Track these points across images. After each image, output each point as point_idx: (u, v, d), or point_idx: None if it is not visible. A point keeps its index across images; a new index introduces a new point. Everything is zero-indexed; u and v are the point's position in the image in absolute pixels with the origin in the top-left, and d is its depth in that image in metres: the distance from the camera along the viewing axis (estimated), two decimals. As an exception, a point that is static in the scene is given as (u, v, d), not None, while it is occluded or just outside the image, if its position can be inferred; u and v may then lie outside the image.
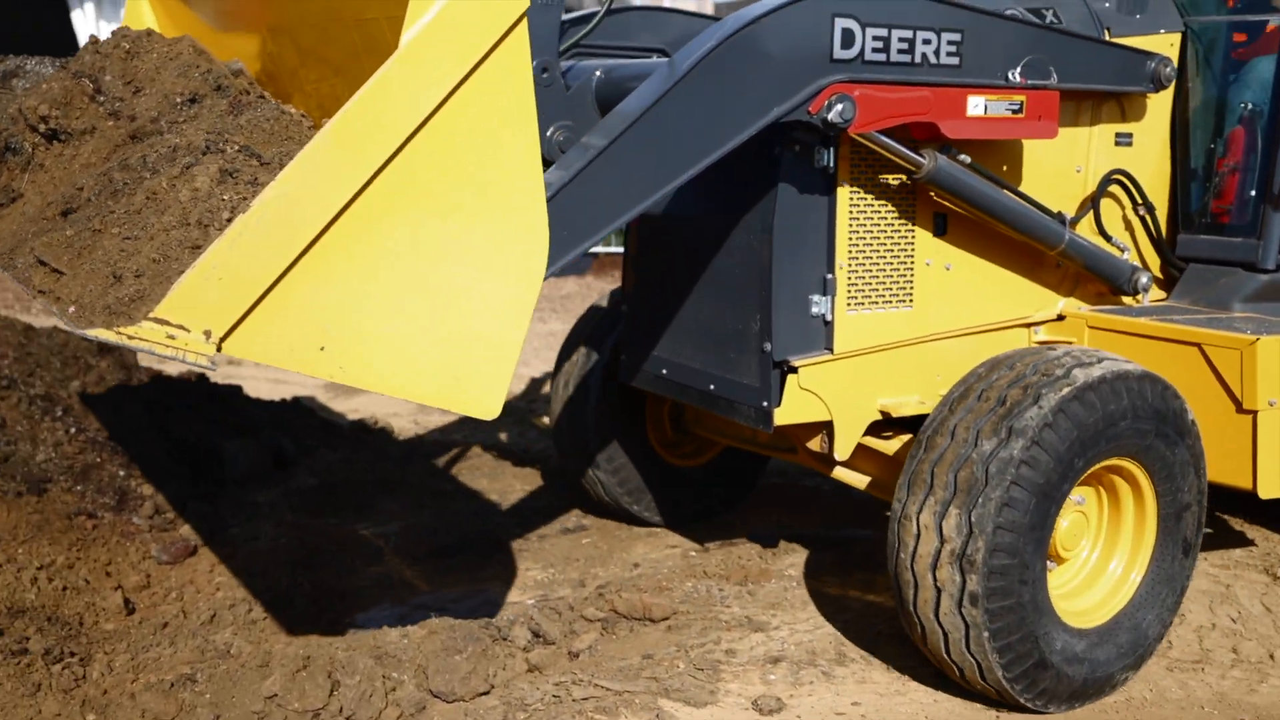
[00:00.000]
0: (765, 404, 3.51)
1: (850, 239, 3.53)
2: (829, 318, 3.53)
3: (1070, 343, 3.86)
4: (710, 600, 4.05)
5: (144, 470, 4.82)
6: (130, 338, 2.08)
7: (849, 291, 3.55)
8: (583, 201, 2.79)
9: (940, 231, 3.70)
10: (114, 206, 2.45)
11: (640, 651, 3.63)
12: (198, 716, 3.11)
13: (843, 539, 4.69)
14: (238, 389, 5.91)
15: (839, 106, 3.18)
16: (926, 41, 3.34)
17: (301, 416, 5.90)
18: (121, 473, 4.72)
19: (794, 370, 3.50)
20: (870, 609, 3.98)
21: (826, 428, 3.63)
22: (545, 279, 2.77)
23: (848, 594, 4.11)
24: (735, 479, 4.89)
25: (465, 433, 6.21)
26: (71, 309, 2.24)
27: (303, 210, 2.23)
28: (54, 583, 3.79)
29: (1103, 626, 3.35)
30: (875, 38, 3.24)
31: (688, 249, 3.80)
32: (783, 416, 3.51)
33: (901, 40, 3.30)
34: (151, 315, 2.08)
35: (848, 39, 3.19)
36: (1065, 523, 3.34)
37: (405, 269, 2.38)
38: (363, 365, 2.35)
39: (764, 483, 5.40)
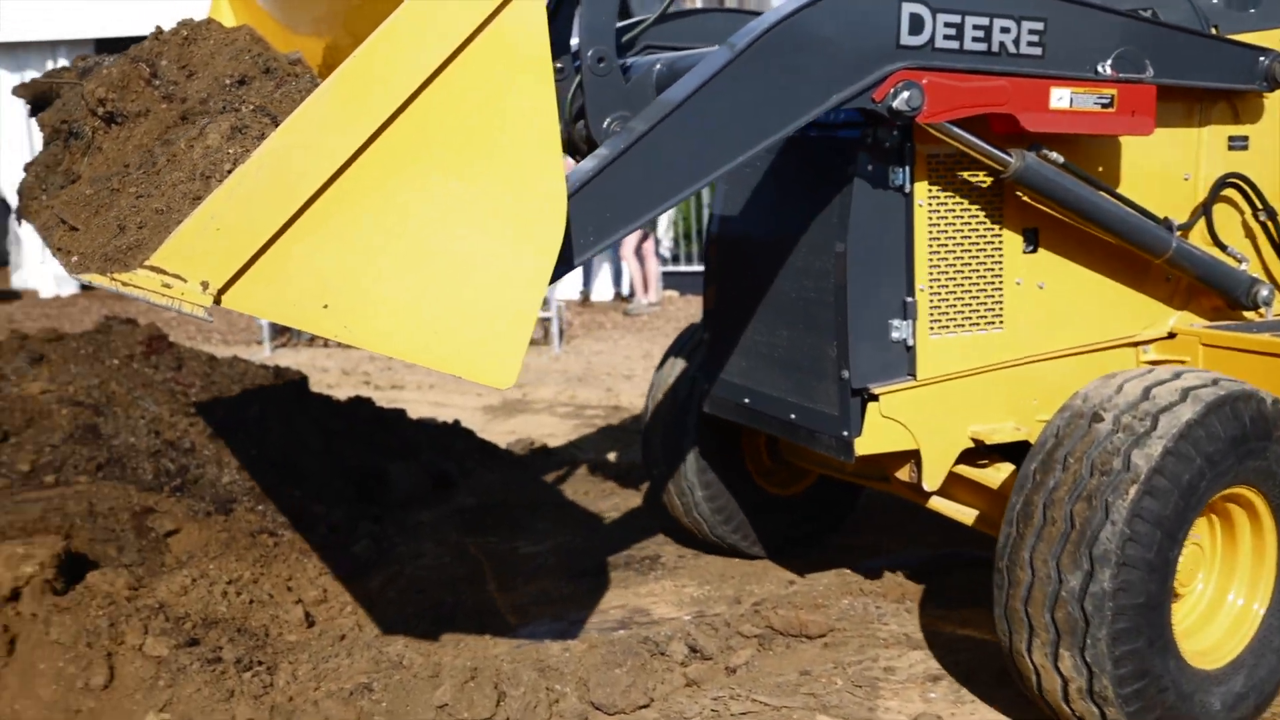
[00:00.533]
0: (845, 433, 3.43)
1: (931, 261, 3.41)
2: (910, 343, 3.40)
3: (1183, 362, 3.67)
4: (867, 618, 4.06)
5: (317, 491, 5.07)
6: (125, 284, 2.08)
7: (931, 315, 3.42)
8: (623, 184, 2.73)
9: (1031, 248, 3.54)
10: (139, 173, 2.47)
11: (797, 668, 3.67)
12: (375, 723, 3.29)
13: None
14: (401, 413, 6.16)
15: (906, 94, 3.06)
16: (1005, 30, 3.18)
17: (461, 439, 6.11)
18: (297, 493, 4.98)
19: (874, 398, 3.40)
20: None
21: (914, 457, 3.52)
22: (588, 259, 2.77)
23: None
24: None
25: (618, 452, 6.34)
26: (74, 259, 2.27)
27: (305, 161, 2.19)
28: (241, 596, 4.03)
29: (1254, 643, 3.19)
30: (947, 24, 3.10)
31: (764, 272, 3.74)
32: (864, 446, 3.42)
33: (977, 28, 3.15)
34: (147, 263, 2.06)
35: (916, 25, 3.07)
36: (1181, 556, 3.11)
37: (413, 228, 2.32)
38: (368, 326, 2.31)
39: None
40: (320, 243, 2.21)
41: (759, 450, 4.60)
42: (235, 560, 4.25)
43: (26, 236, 13.54)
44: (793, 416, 3.65)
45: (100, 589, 3.82)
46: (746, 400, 3.88)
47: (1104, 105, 3.37)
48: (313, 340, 10.33)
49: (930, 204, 3.38)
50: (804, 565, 4.60)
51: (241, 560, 4.27)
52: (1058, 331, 3.62)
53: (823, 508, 4.74)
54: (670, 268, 13.55)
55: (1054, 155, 3.38)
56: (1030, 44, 3.24)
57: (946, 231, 3.42)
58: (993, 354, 3.51)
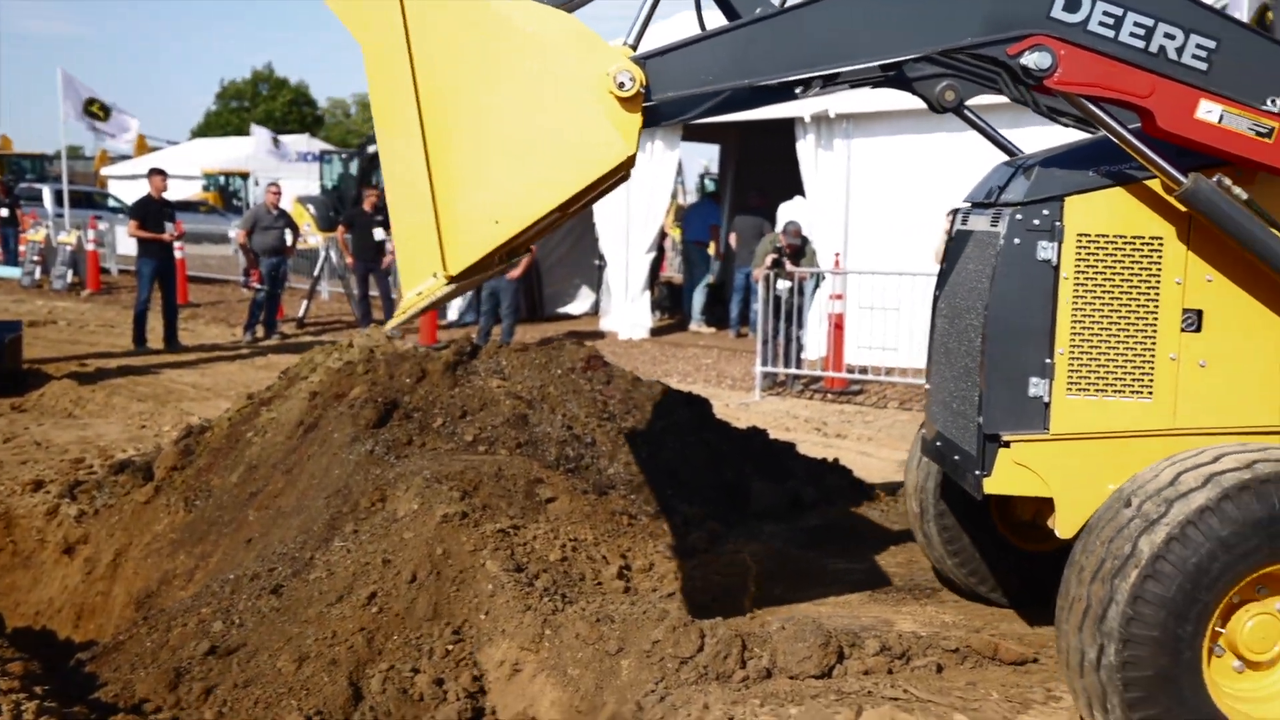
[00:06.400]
0: (978, 473, 3.78)
1: (1074, 329, 3.65)
2: (1046, 399, 3.68)
3: None
4: (1083, 663, 4.30)
5: (687, 495, 6.18)
6: (405, 314, 3.24)
7: (1070, 377, 3.67)
8: (745, 49, 3.32)
9: (1193, 327, 3.66)
10: None
11: (970, 680, 4.09)
12: (608, 644, 4.29)
13: None
14: (791, 446, 7.08)
15: (1037, 55, 3.34)
16: (1169, 36, 3.36)
17: (836, 474, 6.89)
18: (669, 492, 6.12)
19: (1006, 444, 3.71)
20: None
21: (1050, 504, 3.75)
22: (656, 102, 3.38)
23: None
24: None
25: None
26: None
27: (408, 172, 3.20)
28: (577, 551, 5.23)
29: None
30: (1107, 13, 3.33)
31: (948, 331, 4.18)
32: (992, 486, 3.75)
33: (1139, 25, 3.35)
34: (403, 294, 3.25)
35: (1072, 4, 3.33)
36: (1250, 624, 3.26)
37: (491, 144, 3.22)
38: (524, 208, 3.22)
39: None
40: (457, 196, 3.25)
41: (1009, 505, 4.89)
42: (588, 528, 5.47)
43: (615, 289, 16.24)
44: (956, 458, 4.12)
45: (484, 526, 5.23)
46: (939, 444, 4.37)
47: (1260, 134, 3.45)
48: (801, 392, 11.49)
49: (1076, 277, 3.69)
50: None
51: (594, 529, 5.49)
52: (1219, 410, 3.71)
53: None
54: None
55: (1237, 190, 3.48)
56: (1196, 57, 3.41)
57: (1093, 304, 3.70)
58: (1138, 421, 3.71)
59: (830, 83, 4.25)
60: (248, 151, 36.19)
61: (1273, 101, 3.45)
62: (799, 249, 11.83)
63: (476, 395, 6.40)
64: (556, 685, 4.30)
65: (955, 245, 4.35)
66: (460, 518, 5.16)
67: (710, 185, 26.13)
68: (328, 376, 6.75)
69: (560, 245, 18.87)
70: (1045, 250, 3.69)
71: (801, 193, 14.18)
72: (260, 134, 33.47)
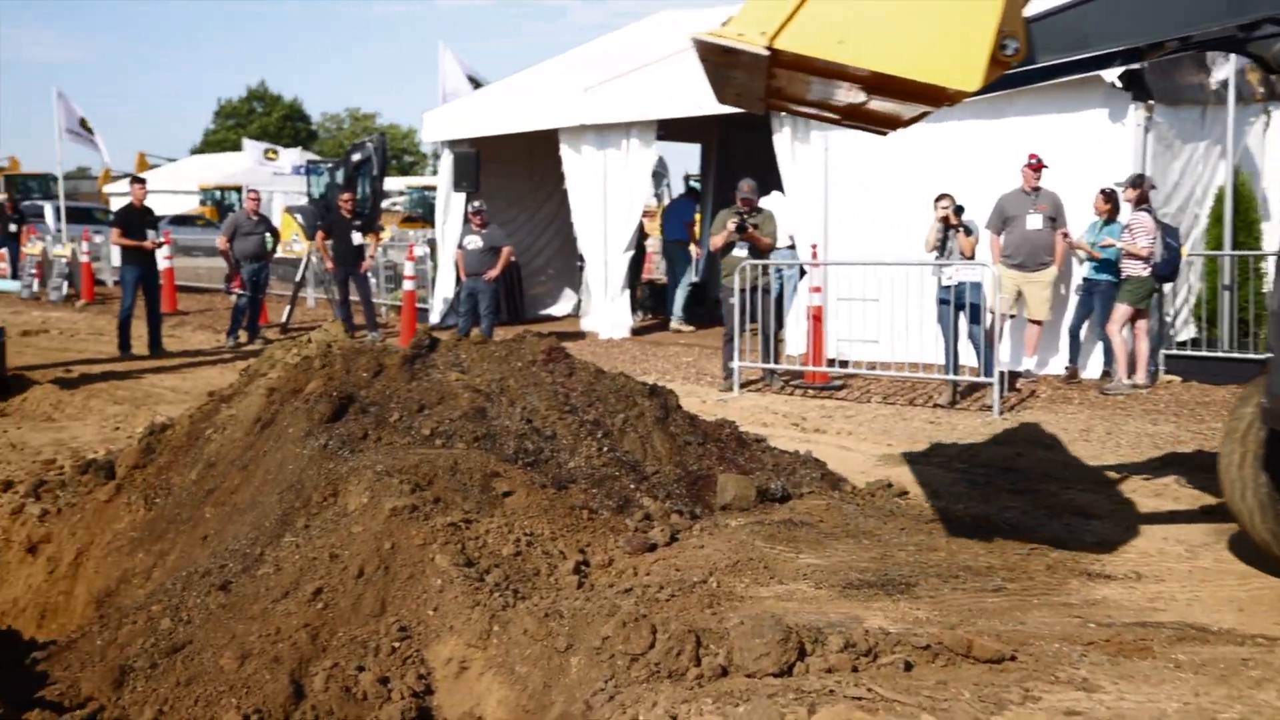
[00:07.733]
0: None
1: None
2: None
3: None
4: (1059, 660, 4.09)
5: (651, 488, 5.96)
6: (719, 37, 3.29)
7: None
8: (1091, 19, 3.52)
9: None
10: None
11: (940, 678, 3.87)
12: (556, 640, 4.08)
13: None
14: (762, 438, 6.87)
15: None
16: None
17: (808, 467, 6.68)
18: (631, 486, 5.90)
19: None
20: (1225, 700, 3.75)
21: None
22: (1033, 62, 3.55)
23: (1222, 689, 3.89)
24: None
25: (958, 499, 6.53)
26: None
27: None
28: (533, 546, 5.01)
29: None
30: None
31: None
32: None
33: None
34: (725, 26, 3.31)
35: None
36: None
37: None
38: (870, 51, 3.28)
39: None
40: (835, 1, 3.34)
41: None
42: (546, 523, 5.27)
43: (595, 289, 16.04)
44: None
45: (434, 519, 5.01)
46: None
47: None
48: (783, 388, 11.30)
49: None
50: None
51: (552, 524, 5.28)
52: None
53: None
54: (1185, 351, 12.72)
55: None
56: None
57: None
58: None
59: (1184, 44, 4.35)
60: (242, 165, 36.10)
61: None
62: (754, 206, 11.50)
63: (434, 389, 6.19)
64: (504, 683, 4.08)
65: None
66: (409, 511, 4.96)
67: (696, 186, 25.95)
68: (285, 372, 6.55)
69: (546, 248, 18.71)
70: None
71: (781, 188, 14.01)
72: (252, 148, 33.43)
